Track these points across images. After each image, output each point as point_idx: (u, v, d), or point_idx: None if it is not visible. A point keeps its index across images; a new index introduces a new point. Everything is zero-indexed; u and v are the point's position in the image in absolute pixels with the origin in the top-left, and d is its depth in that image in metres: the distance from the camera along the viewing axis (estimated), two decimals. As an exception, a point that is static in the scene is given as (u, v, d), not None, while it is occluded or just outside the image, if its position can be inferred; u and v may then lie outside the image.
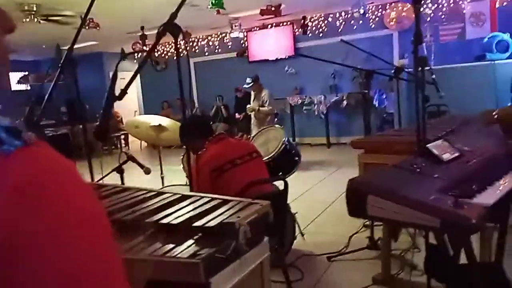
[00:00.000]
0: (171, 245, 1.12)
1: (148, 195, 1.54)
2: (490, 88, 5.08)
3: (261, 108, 6.16)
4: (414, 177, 1.39)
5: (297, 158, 3.88)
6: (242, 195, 1.99)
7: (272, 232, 2.32)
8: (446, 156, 1.58)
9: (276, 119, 8.78)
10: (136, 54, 10.02)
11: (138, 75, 11.47)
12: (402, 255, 2.94)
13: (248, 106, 6.33)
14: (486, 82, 5.38)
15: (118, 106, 10.39)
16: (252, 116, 6.34)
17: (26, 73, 10.60)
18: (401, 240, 3.01)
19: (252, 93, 6.36)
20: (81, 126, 8.14)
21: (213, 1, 5.40)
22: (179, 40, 1.67)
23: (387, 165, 1.56)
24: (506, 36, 6.55)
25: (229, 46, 9.80)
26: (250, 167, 2.52)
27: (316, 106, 8.43)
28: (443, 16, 7.56)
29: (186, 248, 1.10)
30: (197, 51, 10.20)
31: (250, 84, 6.20)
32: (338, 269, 2.96)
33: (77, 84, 2.01)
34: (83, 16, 2.07)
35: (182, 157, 3.43)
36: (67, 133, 8.66)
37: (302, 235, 3.36)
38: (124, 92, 1.55)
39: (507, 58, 6.21)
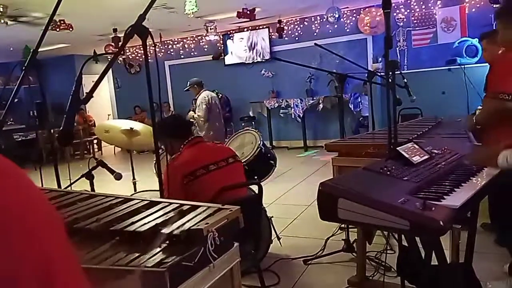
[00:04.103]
0: (136, 254, 1.08)
1: (115, 201, 1.49)
2: (461, 92, 5.21)
3: (190, 113, 5.63)
4: (384, 179, 1.40)
5: (272, 162, 3.86)
6: (215, 200, 1.96)
7: (247, 237, 2.30)
8: (416, 159, 1.60)
9: (253, 123, 8.80)
10: (110, 57, 9.83)
11: (111, 78, 11.18)
12: (377, 256, 2.97)
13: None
14: (457, 86, 5.53)
15: (90, 110, 10.15)
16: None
17: (-7, 76, 10.24)
18: (376, 241, 3.04)
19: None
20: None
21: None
22: (150, 42, 1.63)
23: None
24: (475, 41, 6.77)
25: (205, 49, 9.75)
26: (224, 173, 2.45)
27: (292, 109, 8.47)
28: (415, 21, 7.74)
29: (151, 257, 1.06)
30: (172, 53, 10.10)
31: (186, 89, 5.67)
32: (314, 272, 2.97)
33: (42, 86, 1.93)
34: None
35: (155, 162, 3.36)
36: (36, 138, 8.38)
37: (279, 239, 3.34)
38: (89, 95, 1.49)
39: (476, 63, 6.41)
